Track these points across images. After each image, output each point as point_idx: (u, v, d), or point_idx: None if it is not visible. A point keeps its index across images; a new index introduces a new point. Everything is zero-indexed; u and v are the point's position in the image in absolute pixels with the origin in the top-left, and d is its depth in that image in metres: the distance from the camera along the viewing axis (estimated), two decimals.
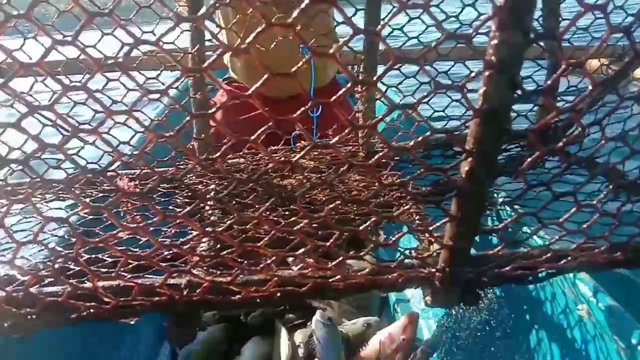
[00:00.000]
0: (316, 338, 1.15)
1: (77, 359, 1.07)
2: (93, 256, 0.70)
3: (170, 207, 0.90)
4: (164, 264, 0.53)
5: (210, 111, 0.39)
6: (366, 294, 1.41)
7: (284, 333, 1.19)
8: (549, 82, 0.36)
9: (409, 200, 0.80)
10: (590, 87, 0.37)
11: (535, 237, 0.77)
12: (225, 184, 0.94)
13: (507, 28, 0.33)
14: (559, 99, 0.90)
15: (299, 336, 1.20)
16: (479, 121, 0.38)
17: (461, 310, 1.12)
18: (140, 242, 0.69)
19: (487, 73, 0.35)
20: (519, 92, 0.35)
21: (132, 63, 0.95)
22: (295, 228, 0.47)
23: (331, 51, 0.34)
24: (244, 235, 0.73)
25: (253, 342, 1.21)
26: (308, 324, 1.25)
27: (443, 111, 0.91)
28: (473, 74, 0.35)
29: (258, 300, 0.56)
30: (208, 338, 1.21)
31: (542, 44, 0.75)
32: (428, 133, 0.38)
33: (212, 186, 0.98)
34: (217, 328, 1.25)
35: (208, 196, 0.84)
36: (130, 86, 0.87)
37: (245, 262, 0.54)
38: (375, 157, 0.41)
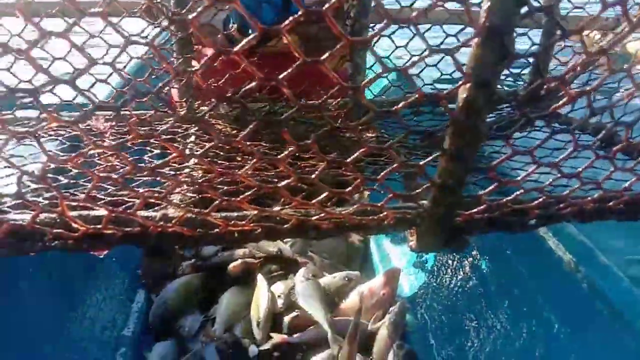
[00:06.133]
0: (298, 292, 1.15)
1: (48, 304, 1.04)
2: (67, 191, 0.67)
3: (148, 148, 0.87)
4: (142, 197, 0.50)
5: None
6: (345, 250, 1.41)
7: (264, 284, 1.17)
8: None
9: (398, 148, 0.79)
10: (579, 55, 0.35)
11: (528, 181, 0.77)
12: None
13: None
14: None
15: (279, 287, 1.19)
16: (479, 41, 0.36)
17: (443, 267, 1.11)
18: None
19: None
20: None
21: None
22: (278, 157, 0.45)
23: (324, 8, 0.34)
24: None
25: (231, 291, 1.20)
26: (289, 276, 1.24)
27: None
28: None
29: (236, 235, 0.53)
30: (184, 285, 1.20)
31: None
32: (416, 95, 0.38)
33: (192, 130, 0.96)
34: (194, 277, 1.24)
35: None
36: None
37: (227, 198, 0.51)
38: (361, 120, 0.42)
